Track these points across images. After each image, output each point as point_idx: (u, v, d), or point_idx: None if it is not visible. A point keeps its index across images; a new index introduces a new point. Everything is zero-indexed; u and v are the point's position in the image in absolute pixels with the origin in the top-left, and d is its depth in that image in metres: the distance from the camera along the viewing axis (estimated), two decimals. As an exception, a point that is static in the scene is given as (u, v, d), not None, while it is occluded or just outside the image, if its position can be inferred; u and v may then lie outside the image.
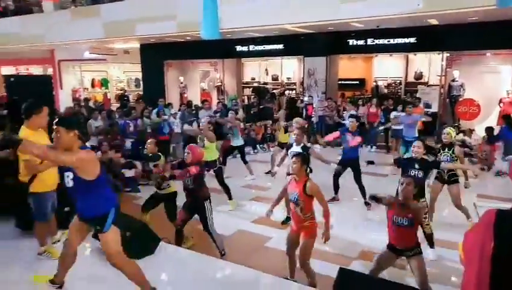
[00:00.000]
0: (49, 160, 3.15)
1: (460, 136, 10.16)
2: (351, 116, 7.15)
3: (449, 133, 5.28)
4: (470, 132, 10.15)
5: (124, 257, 3.32)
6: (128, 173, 7.57)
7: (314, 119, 11.41)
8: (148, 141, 5.45)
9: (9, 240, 4.64)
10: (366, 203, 6.26)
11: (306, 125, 8.65)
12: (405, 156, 6.15)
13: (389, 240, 3.61)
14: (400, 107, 10.00)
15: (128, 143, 8.42)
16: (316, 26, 10.25)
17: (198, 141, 6.64)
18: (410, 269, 3.58)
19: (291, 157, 4.59)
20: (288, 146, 5.93)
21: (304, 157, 3.97)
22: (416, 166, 4.60)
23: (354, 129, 6.43)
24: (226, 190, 6.57)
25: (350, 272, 3.13)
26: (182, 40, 13.07)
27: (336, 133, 6.75)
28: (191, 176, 4.42)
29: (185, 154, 4.59)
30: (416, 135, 8.00)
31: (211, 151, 6.43)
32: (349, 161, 6.45)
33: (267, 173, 8.32)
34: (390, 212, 3.55)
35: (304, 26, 10.58)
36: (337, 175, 6.54)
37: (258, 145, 10.94)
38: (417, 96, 11.15)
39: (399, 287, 2.84)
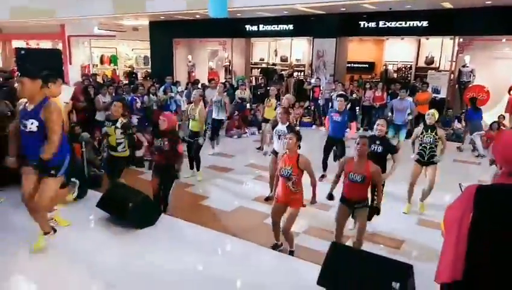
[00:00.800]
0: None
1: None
2: (340, 95, 7.15)
3: (433, 114, 5.41)
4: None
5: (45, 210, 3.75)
6: (138, 153, 7.60)
7: (320, 102, 11.39)
8: (115, 102, 5.29)
9: (6, 216, 4.79)
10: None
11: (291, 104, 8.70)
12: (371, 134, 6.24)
13: (342, 195, 4.03)
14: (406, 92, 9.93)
15: (134, 119, 8.50)
16: (327, 7, 10.12)
17: (189, 112, 6.78)
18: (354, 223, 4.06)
19: (279, 136, 5.28)
20: (273, 124, 5.91)
21: (298, 134, 4.19)
22: (377, 142, 4.87)
23: (342, 109, 6.54)
24: (198, 161, 6.83)
25: (341, 245, 3.24)
26: (191, 18, 13.01)
27: (327, 119, 6.85)
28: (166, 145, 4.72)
29: (160, 121, 4.80)
30: (406, 120, 8.07)
31: (199, 123, 6.61)
32: (335, 140, 6.64)
33: (258, 148, 8.63)
34: (347, 170, 3.93)
35: (314, 7, 10.45)
36: (326, 152, 6.75)
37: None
38: (426, 81, 11.01)
39: (387, 261, 2.94)
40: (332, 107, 9.59)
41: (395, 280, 2.79)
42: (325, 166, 6.79)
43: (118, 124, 5.07)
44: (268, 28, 13.24)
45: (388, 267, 2.92)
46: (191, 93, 10.01)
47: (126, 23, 15.82)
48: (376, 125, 5.00)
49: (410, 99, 8.88)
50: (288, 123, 5.66)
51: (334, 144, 6.68)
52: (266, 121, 8.34)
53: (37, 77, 3.28)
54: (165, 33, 14.77)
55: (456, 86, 11.70)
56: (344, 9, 10.66)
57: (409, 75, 14.23)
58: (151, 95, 9.24)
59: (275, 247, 4.35)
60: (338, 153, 6.64)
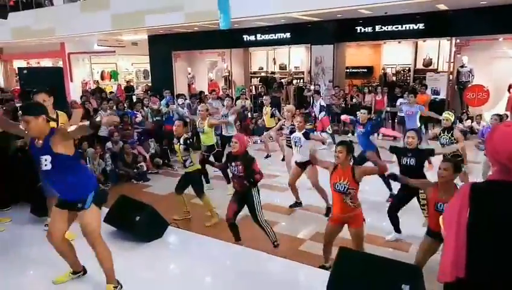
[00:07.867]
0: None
1: (469, 122, 10.12)
2: (364, 107, 6.58)
3: (447, 118, 5.60)
4: (480, 118, 10.08)
5: (101, 238, 3.33)
6: (141, 167, 7.65)
7: (321, 108, 11.42)
8: (176, 122, 5.48)
9: (25, 226, 4.85)
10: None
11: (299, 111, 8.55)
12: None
13: (429, 226, 3.48)
14: (406, 94, 9.97)
15: (135, 134, 8.57)
16: (324, 14, 10.22)
17: (198, 126, 6.71)
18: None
19: (296, 142, 5.26)
20: (291, 130, 5.95)
21: (349, 146, 3.80)
22: (409, 154, 4.56)
23: (364, 121, 6.03)
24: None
25: (349, 250, 3.24)
26: (190, 30, 13.15)
27: (347, 118, 6.78)
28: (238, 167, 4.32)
29: (232, 143, 4.33)
30: (418, 125, 7.96)
31: (209, 136, 6.56)
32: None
33: (266, 157, 8.72)
34: (432, 199, 3.44)
35: (311, 14, 10.56)
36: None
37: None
38: (425, 83, 11.06)
39: (395, 264, 2.95)
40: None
41: (405, 282, 2.79)
42: None
43: (181, 140, 5.27)
44: (266, 37, 13.36)
45: (397, 269, 2.93)
46: (190, 104, 10.17)
47: (125, 38, 16.00)
48: (407, 138, 4.71)
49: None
50: (304, 130, 5.51)
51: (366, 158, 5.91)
52: (267, 129, 8.47)
53: (40, 113, 3.01)
54: (164, 46, 14.91)
55: (455, 86, 11.74)
56: (340, 15, 10.77)
57: (408, 78, 14.30)
58: (145, 108, 9.36)
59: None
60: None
